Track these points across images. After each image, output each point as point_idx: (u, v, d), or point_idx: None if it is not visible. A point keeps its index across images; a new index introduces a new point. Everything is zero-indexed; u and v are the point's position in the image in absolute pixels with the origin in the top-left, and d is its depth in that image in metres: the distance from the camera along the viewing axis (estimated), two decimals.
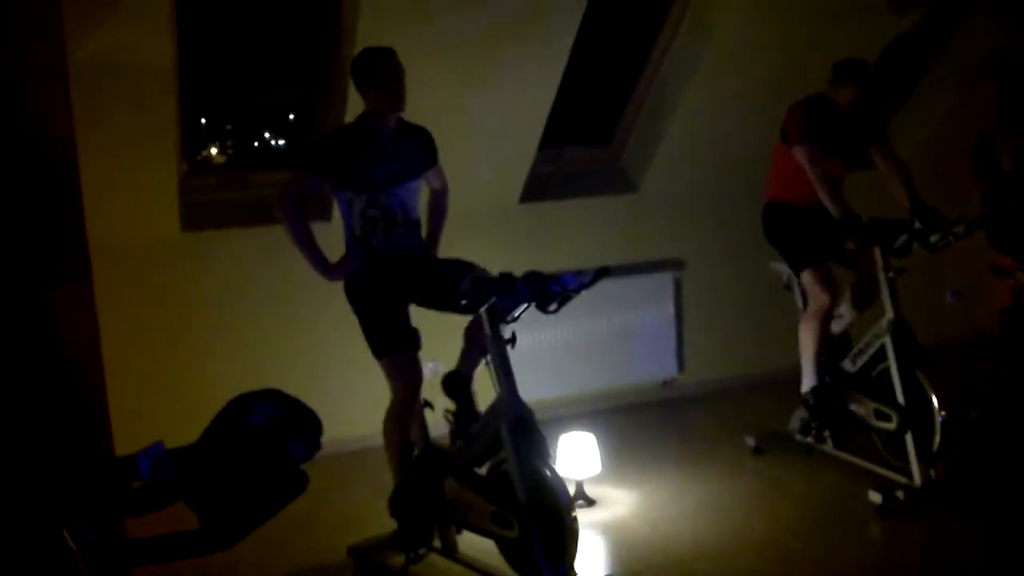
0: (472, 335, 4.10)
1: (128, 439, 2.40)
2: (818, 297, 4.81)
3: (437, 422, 4.26)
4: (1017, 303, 5.50)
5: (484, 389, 3.96)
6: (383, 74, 3.98)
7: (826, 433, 5.06)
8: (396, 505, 4.05)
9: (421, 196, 4.23)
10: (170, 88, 4.64)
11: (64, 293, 3.14)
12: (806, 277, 4.85)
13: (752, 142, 5.47)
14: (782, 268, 5.14)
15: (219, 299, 5.26)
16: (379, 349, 4.04)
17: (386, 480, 4.22)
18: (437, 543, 4.11)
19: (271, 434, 1.91)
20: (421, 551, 4.02)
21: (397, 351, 4.02)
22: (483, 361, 3.98)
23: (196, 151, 6.78)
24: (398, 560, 4.14)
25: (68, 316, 3.14)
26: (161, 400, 4.95)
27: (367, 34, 4.55)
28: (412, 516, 4.01)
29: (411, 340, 4.06)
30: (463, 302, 3.68)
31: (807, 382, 4.93)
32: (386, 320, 4.04)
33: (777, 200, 4.99)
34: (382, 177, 4.02)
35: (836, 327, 4.98)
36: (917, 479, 4.47)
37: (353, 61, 4.07)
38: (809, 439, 5.05)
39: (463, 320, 4.06)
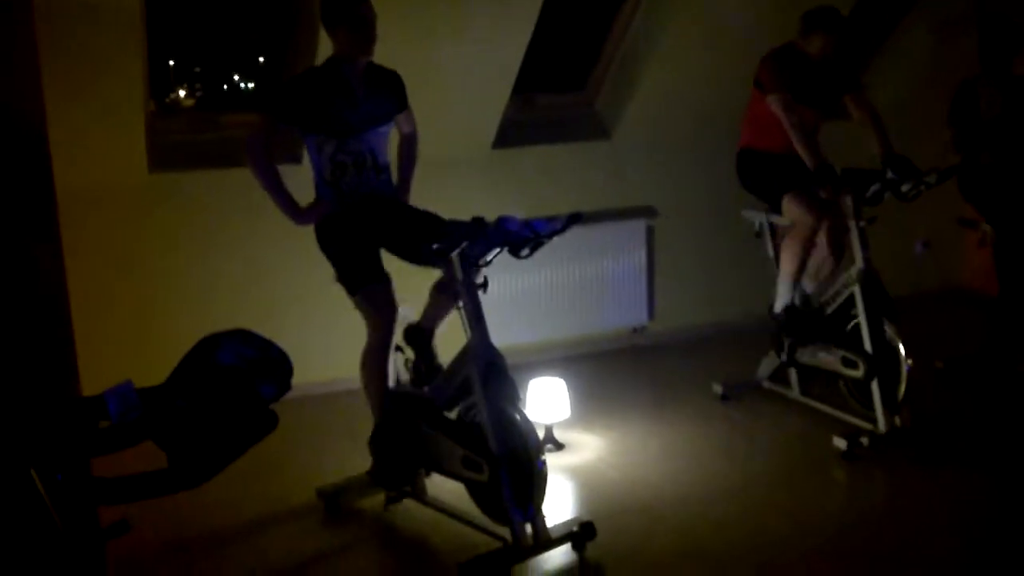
0: (439, 292, 4.09)
1: (96, 380, 2.39)
2: (802, 219, 4.75)
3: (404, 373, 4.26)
4: (997, 256, 5.52)
5: (456, 337, 3.95)
6: (354, 16, 3.92)
7: (791, 379, 5.14)
8: (376, 444, 4.06)
9: (391, 140, 4.20)
10: (136, 26, 4.56)
11: (30, 234, 3.11)
12: (788, 203, 4.79)
13: (726, 91, 5.46)
14: (754, 215, 5.16)
15: (188, 240, 5.22)
16: (353, 284, 4.01)
17: (356, 423, 4.24)
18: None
19: (240, 373, 1.90)
20: (404, 490, 4.07)
21: (372, 282, 3.99)
22: (451, 310, 3.99)
23: (164, 94, 6.70)
24: (368, 502, 4.17)
25: (34, 257, 3.11)
26: (129, 341, 4.95)
27: None
28: (392, 456, 4.02)
29: (385, 276, 4.04)
30: (435, 246, 3.67)
31: (780, 302, 4.96)
32: (358, 256, 4.02)
33: (751, 146, 4.99)
34: (351, 121, 3.98)
35: (808, 286, 4.98)
36: (882, 426, 4.53)
37: (323, 0, 4.00)
38: (774, 386, 5.10)
39: (434, 272, 4.04)
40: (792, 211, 4.80)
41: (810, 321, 4.88)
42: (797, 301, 4.91)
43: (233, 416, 1.90)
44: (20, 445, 1.79)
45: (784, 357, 5.01)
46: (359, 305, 4.04)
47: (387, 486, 4.11)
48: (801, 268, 4.85)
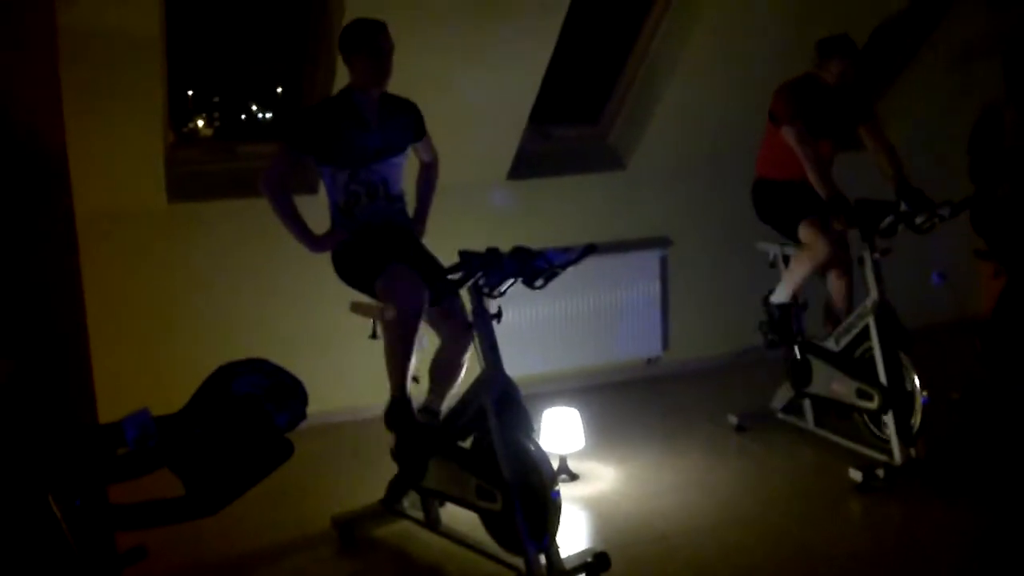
0: (438, 372, 4.11)
1: (112, 407, 2.41)
2: (817, 248, 4.77)
3: (420, 396, 4.27)
4: (1004, 293, 5.50)
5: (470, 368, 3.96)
6: (371, 45, 3.96)
7: (806, 410, 5.13)
8: (392, 419, 4.03)
9: (405, 170, 4.21)
10: (157, 56, 4.61)
11: (50, 262, 3.14)
12: (804, 230, 4.80)
13: (740, 122, 5.48)
14: (768, 247, 5.17)
15: (206, 270, 5.25)
16: (373, 271, 3.91)
17: (372, 451, 4.24)
18: (418, 514, 4.14)
19: (255, 402, 1.91)
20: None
21: (393, 261, 3.91)
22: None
23: (183, 122, 6.75)
24: (382, 531, 4.17)
25: (54, 285, 3.13)
26: (146, 369, 4.96)
27: (356, 6, 4.52)
28: (409, 430, 3.99)
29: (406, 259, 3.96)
30: (450, 276, 3.69)
31: (778, 297, 5.08)
32: (373, 249, 3.99)
33: (766, 177, 5.01)
34: (363, 151, 4.00)
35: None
36: (897, 458, 4.51)
37: (343, 29, 4.04)
38: (789, 417, 5.09)
39: None
40: (807, 236, 4.81)
41: (796, 327, 5.08)
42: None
43: (249, 444, 1.91)
44: (39, 471, 1.81)
45: (765, 343, 5.22)
46: (381, 294, 3.93)
47: (404, 464, 4.07)
48: (803, 283, 5.01)
